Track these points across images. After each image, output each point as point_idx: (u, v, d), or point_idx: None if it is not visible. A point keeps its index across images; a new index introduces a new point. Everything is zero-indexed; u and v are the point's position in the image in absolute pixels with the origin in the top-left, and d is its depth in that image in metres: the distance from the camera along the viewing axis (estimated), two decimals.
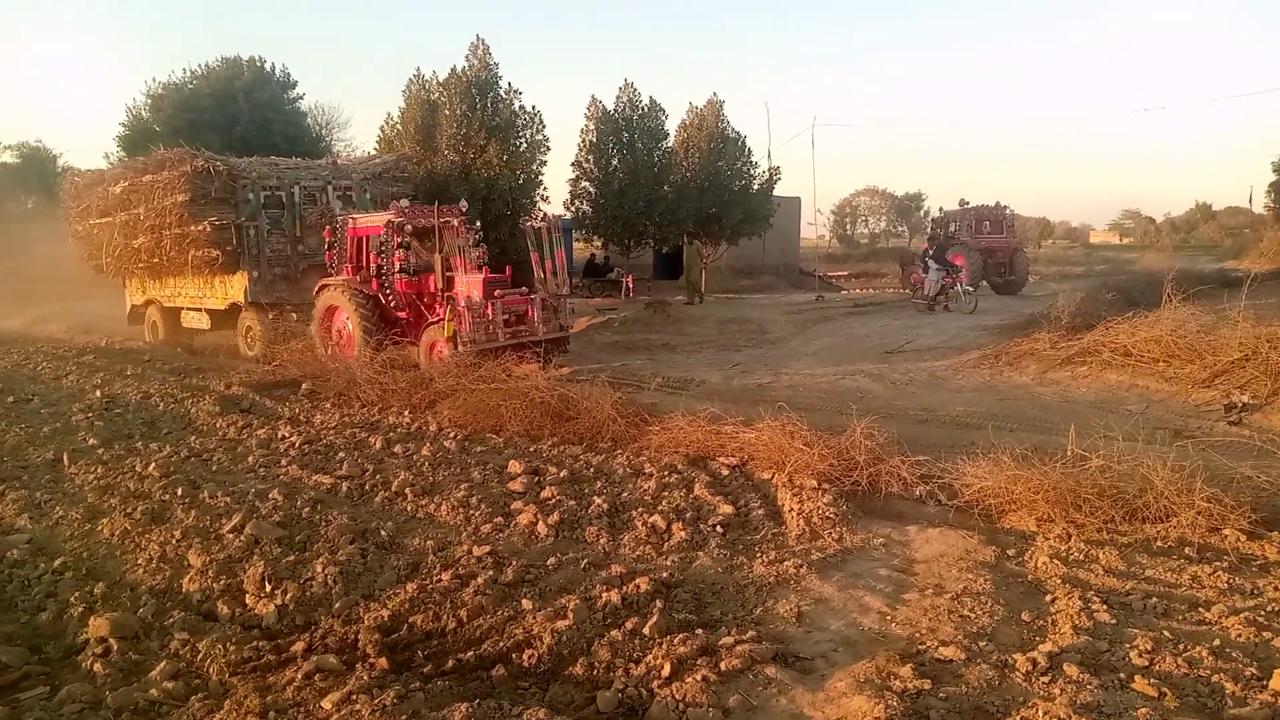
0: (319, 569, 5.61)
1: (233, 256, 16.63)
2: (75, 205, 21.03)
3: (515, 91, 24.95)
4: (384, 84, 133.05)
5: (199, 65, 33.95)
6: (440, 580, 5.41)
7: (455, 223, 14.75)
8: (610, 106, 28.20)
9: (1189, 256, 45.06)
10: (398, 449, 8.91)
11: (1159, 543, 5.84)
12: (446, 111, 24.37)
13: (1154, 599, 4.96)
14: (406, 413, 10.61)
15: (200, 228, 16.31)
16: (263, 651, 4.68)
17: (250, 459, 8.75)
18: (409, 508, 7.13)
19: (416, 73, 25.31)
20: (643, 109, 28.34)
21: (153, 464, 8.42)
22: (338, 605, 5.24)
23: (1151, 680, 3.97)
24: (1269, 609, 4.78)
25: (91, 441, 9.66)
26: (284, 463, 8.56)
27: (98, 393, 12.67)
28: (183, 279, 18.43)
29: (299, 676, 4.30)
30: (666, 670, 4.18)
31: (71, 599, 5.47)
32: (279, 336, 15.86)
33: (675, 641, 4.42)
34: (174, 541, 6.35)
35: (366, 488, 7.68)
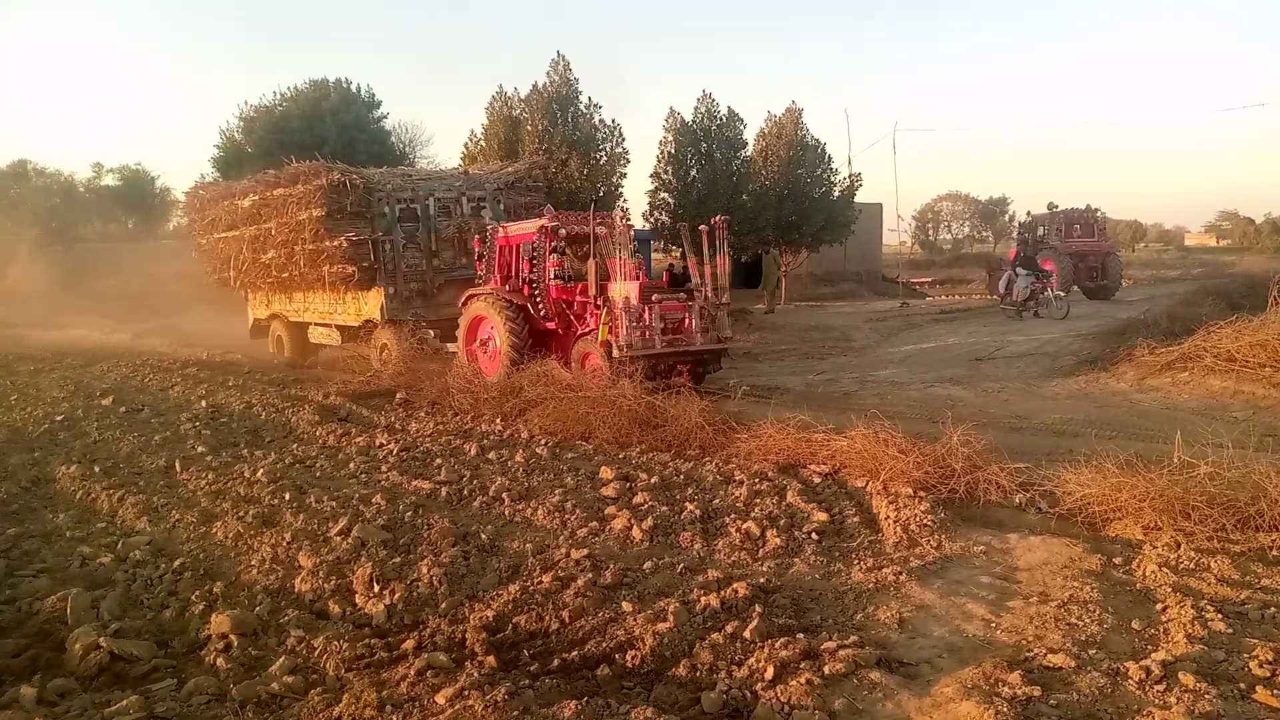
0: (424, 570, 5.79)
1: (369, 272, 16.04)
2: (200, 218, 20.86)
3: (595, 105, 25.31)
4: (463, 102, 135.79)
5: (288, 88, 35.34)
6: (541, 582, 5.53)
7: (617, 226, 13.63)
8: (689, 117, 28.34)
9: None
10: (492, 455, 9.11)
11: (1274, 552, 5.65)
12: (529, 127, 24.83)
13: (1272, 609, 4.80)
14: (498, 420, 10.84)
15: (336, 243, 15.77)
16: (375, 649, 4.85)
17: (351, 465, 9.04)
18: (506, 512, 7.29)
19: (499, 89, 25.90)
20: (721, 119, 28.43)
21: (260, 470, 8.77)
22: (444, 605, 5.39)
23: (1275, 691, 3.86)
24: None
25: (200, 449, 10.09)
26: (384, 469, 8.83)
27: (203, 403, 13.22)
28: (313, 294, 18.02)
29: (412, 673, 4.44)
30: (770, 673, 4.20)
31: (192, 597, 5.75)
32: (417, 354, 15.07)
33: (777, 645, 4.45)
34: (284, 543, 6.61)
35: (464, 493, 7.87)
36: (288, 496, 7.80)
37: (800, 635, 4.57)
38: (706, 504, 7.12)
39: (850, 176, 30.91)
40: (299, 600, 5.72)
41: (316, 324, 18.68)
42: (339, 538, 6.60)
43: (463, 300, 14.82)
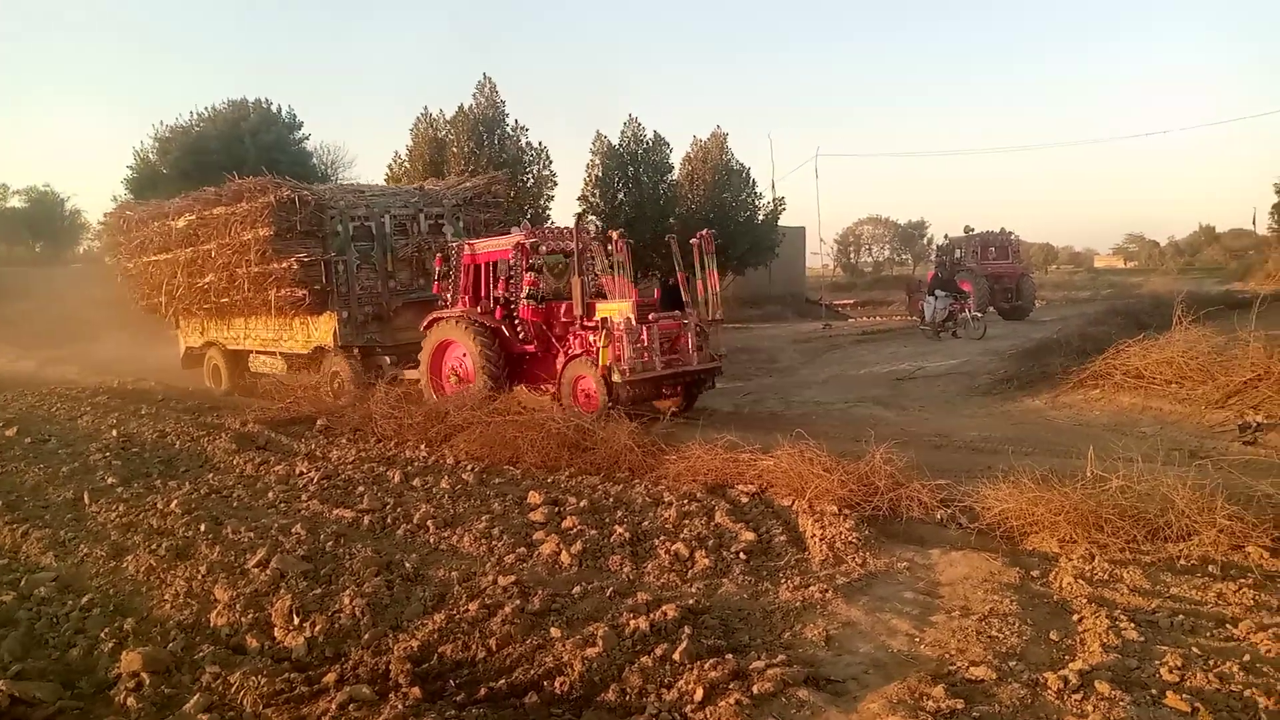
0: (346, 601, 5.64)
1: (321, 295, 14.93)
2: (127, 240, 19.40)
3: (522, 128, 25.32)
4: (386, 123, 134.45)
5: (205, 108, 34.57)
6: (467, 610, 5.44)
7: (614, 242, 12.44)
8: (615, 141, 28.53)
9: (1194, 279, 45.12)
10: (416, 482, 8.95)
11: (1182, 561, 5.85)
12: (454, 149, 24.71)
13: (1181, 616, 4.98)
14: (423, 446, 10.67)
15: (285, 265, 14.66)
16: (295, 683, 4.70)
17: (270, 495, 8.80)
18: (431, 540, 7.17)
19: (424, 111, 25.77)
20: (647, 143, 28.73)
21: (174, 501, 8.48)
22: (367, 636, 5.27)
23: (1184, 696, 3.99)
24: None
25: (110, 480, 9.71)
26: (304, 498, 8.61)
27: (114, 432, 12.76)
28: (255, 320, 16.89)
29: (333, 707, 4.33)
30: (699, 695, 4.20)
31: (101, 635, 5.52)
32: (372, 382, 14.10)
33: (706, 666, 4.44)
34: (199, 577, 6.39)
35: (388, 521, 7.72)
36: (203, 528, 7.55)
37: (729, 656, 4.58)
38: (635, 526, 7.10)
39: (774, 200, 31.44)
40: (215, 635, 5.53)
41: (259, 352, 17.53)
42: (257, 569, 6.41)
43: (426, 324, 13.81)
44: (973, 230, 29.36)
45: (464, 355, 13.15)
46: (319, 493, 8.78)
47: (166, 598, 6.15)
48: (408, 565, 6.34)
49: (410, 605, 5.69)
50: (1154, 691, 4.10)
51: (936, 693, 4.04)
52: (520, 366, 13.07)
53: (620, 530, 6.94)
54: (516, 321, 12.82)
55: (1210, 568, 5.72)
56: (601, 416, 10.68)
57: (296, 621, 5.50)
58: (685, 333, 12.30)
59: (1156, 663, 4.37)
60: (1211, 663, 4.33)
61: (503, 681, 4.61)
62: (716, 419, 12.50)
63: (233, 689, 4.68)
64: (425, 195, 16.56)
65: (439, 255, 14.18)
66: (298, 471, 9.78)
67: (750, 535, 6.71)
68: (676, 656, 4.60)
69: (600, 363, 11.58)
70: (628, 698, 4.35)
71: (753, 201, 30.69)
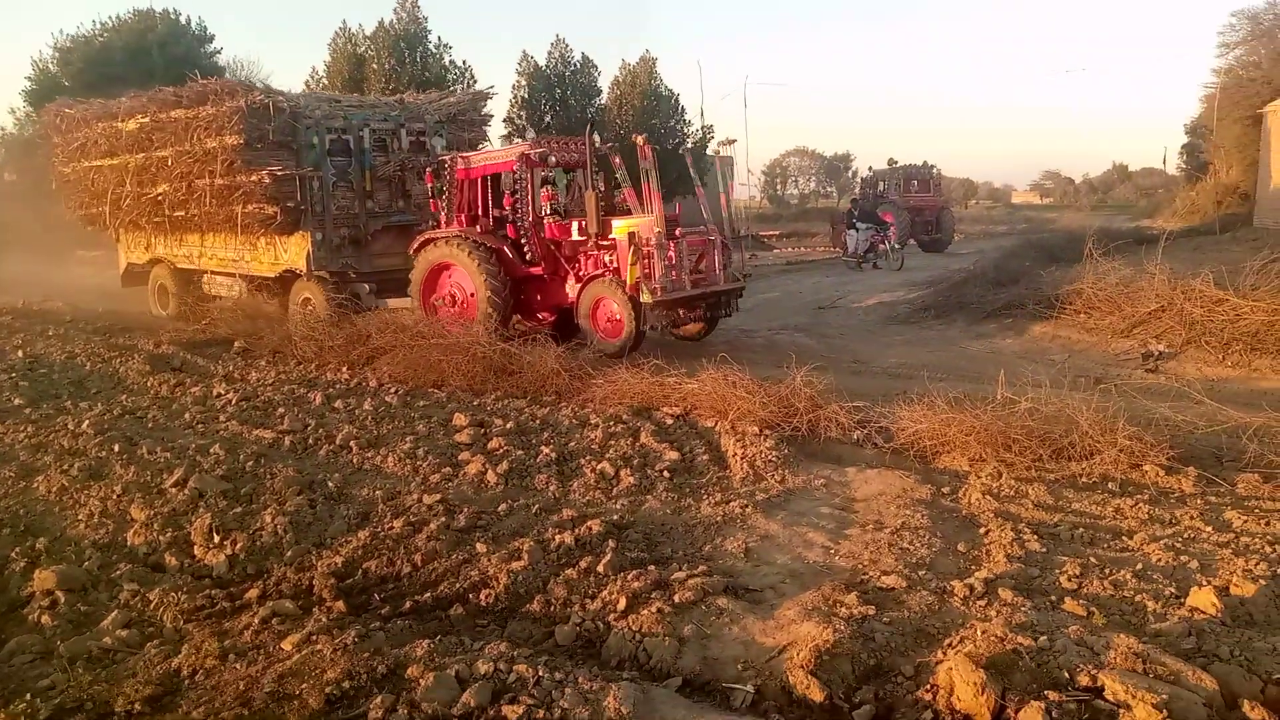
0: (268, 519, 5.60)
1: (293, 214, 13.46)
2: (64, 142, 17.43)
3: (445, 46, 24.59)
4: (303, 37, 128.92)
5: (109, 17, 32.62)
6: (392, 528, 5.45)
7: (640, 148, 11.44)
8: (542, 62, 27.93)
9: (1106, 216, 46.48)
10: (339, 404, 8.84)
11: (1084, 479, 6.15)
12: (375, 66, 23.92)
13: (1080, 529, 5.25)
14: (345, 369, 10.52)
15: (255, 178, 13.18)
16: (216, 599, 4.68)
17: (187, 416, 8.60)
18: (355, 460, 7.11)
19: (342, 25, 24.80)
20: (575, 65, 28.15)
21: (86, 422, 8.23)
22: (289, 554, 5.25)
23: (1080, 601, 4.23)
24: (1185, 536, 5.09)
25: (18, 401, 9.37)
26: (222, 419, 8.44)
27: (19, 353, 12.26)
28: (214, 237, 15.27)
29: (256, 621, 4.32)
30: (622, 604, 4.30)
31: (12, 554, 5.39)
32: (347, 311, 12.97)
33: (629, 578, 4.55)
34: (115, 497, 6.26)
35: (310, 441, 7.63)
36: (117, 448, 7.36)
37: (652, 567, 4.69)
38: (562, 447, 7.15)
39: (703, 128, 31.25)
40: (132, 554, 5.44)
41: (215, 273, 15.89)
42: (175, 489, 6.30)
43: (417, 244, 12.65)
44: (896, 163, 29.68)
45: (464, 281, 12.13)
46: (238, 414, 8.61)
47: (80, 518, 6.02)
48: (330, 485, 6.31)
49: (334, 523, 5.68)
50: (1053, 598, 4.33)
51: (849, 600, 4.21)
52: (520, 293, 12.17)
53: (547, 450, 6.99)
54: (523, 242, 11.81)
55: (1110, 485, 6.04)
56: (627, 345, 10.48)
57: (217, 540, 5.45)
58: (712, 249, 11.62)
59: (1057, 571, 4.62)
60: (1107, 571, 4.59)
61: (428, 595, 4.65)
62: (643, 345, 12.56)
63: (152, 605, 4.64)
64: (406, 109, 15.12)
65: (429, 170, 13.03)
66: (215, 393, 9.56)
67: (674, 454, 6.83)
68: (600, 569, 4.70)
69: (629, 281, 10.72)
70: (552, 608, 4.43)
71: (682, 129, 30.49)
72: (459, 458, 6.98)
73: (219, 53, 35.18)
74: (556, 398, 8.90)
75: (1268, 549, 4.79)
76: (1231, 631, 3.90)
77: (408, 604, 4.56)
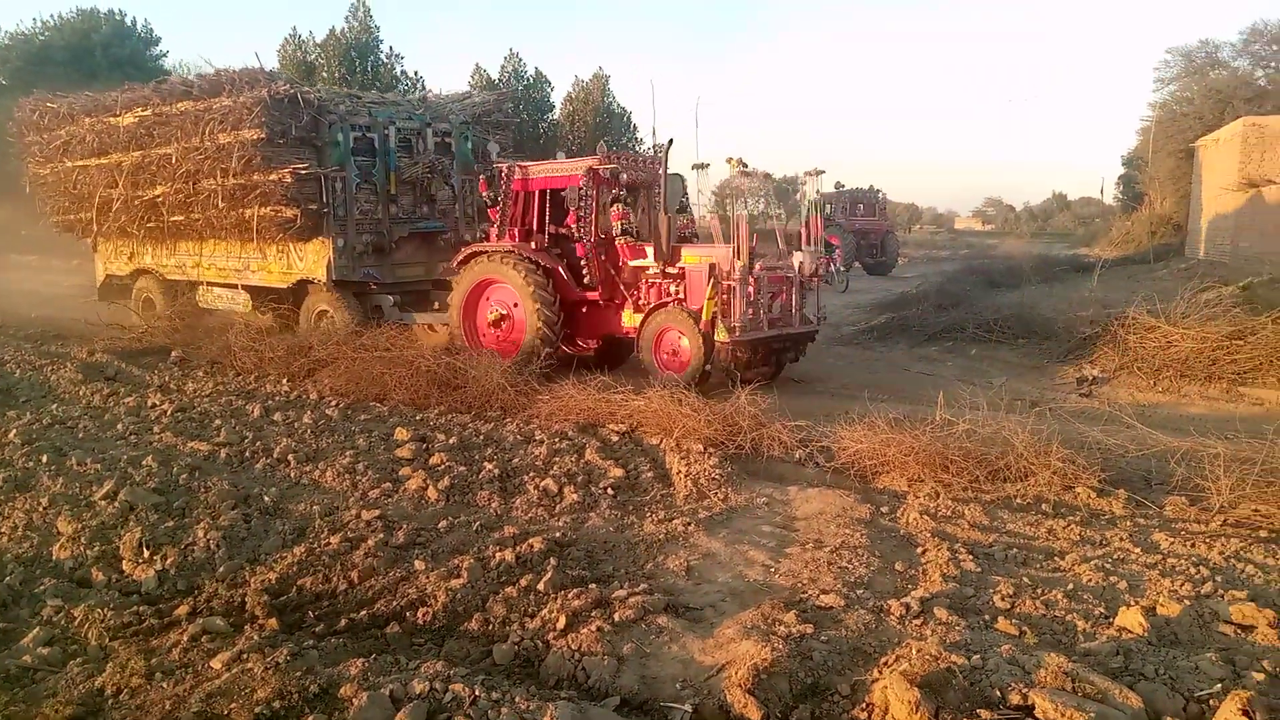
0: (200, 534, 5.48)
1: (314, 218, 12.35)
2: (42, 140, 15.71)
3: (397, 56, 24.45)
4: (251, 43, 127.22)
5: (51, 15, 31.91)
6: (329, 544, 5.36)
7: (752, 171, 10.86)
8: (495, 75, 27.89)
9: (1045, 243, 47.59)
10: (277, 416, 8.69)
11: (1019, 500, 6.28)
12: (324, 74, 23.68)
13: (1014, 550, 5.35)
14: (285, 381, 10.35)
15: (276, 177, 12.07)
16: (144, 616, 4.56)
17: (119, 426, 8.38)
18: (292, 474, 6.99)
19: (292, 32, 24.53)
20: (528, 79, 28.15)
21: (13, 431, 7.97)
22: (222, 570, 5.13)
23: (1013, 620, 4.30)
24: (1115, 557, 5.21)
25: None
26: (156, 430, 8.24)
27: None
28: (215, 244, 14.00)
29: (185, 639, 4.21)
30: (562, 622, 4.27)
31: None
32: (369, 326, 12.00)
33: (570, 596, 4.52)
34: (41, 509, 6.06)
35: (247, 454, 7.48)
36: (45, 459, 7.14)
37: (593, 585, 4.67)
38: (506, 463, 7.11)
39: (655, 147, 31.44)
40: (57, 569, 5.28)
41: (215, 284, 14.55)
42: (104, 502, 6.12)
43: (462, 257, 11.66)
44: (843, 187, 30.12)
45: (513, 302, 11.19)
46: (172, 425, 8.41)
47: (3, 531, 5.82)
48: (266, 499, 6.19)
49: (268, 538, 5.57)
50: (987, 617, 4.40)
51: (788, 618, 4.23)
52: (575, 316, 11.30)
53: (490, 467, 6.93)
54: (583, 263, 10.90)
55: (1043, 506, 6.18)
56: (692, 381, 9.76)
57: (146, 554, 5.31)
58: (789, 288, 10.67)
59: (991, 591, 4.69)
60: (1039, 591, 4.68)
61: (364, 612, 4.58)
62: (585, 362, 12.52)
63: (76, 622, 4.50)
64: (430, 108, 14.09)
65: (483, 178, 12.10)
66: (150, 403, 9.33)
67: (619, 471, 6.82)
68: (541, 587, 4.67)
69: (705, 317, 9.92)
70: (491, 626, 4.39)
71: (633, 146, 30.64)
72: (400, 473, 6.90)
73: (165, 55, 34.60)
74: (502, 413, 8.84)
75: (1192, 570, 4.92)
76: (1157, 650, 3.99)
77: (343, 622, 4.49)
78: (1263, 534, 5.62)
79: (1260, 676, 3.72)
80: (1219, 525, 5.80)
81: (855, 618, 4.31)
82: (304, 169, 12.09)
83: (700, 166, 10.66)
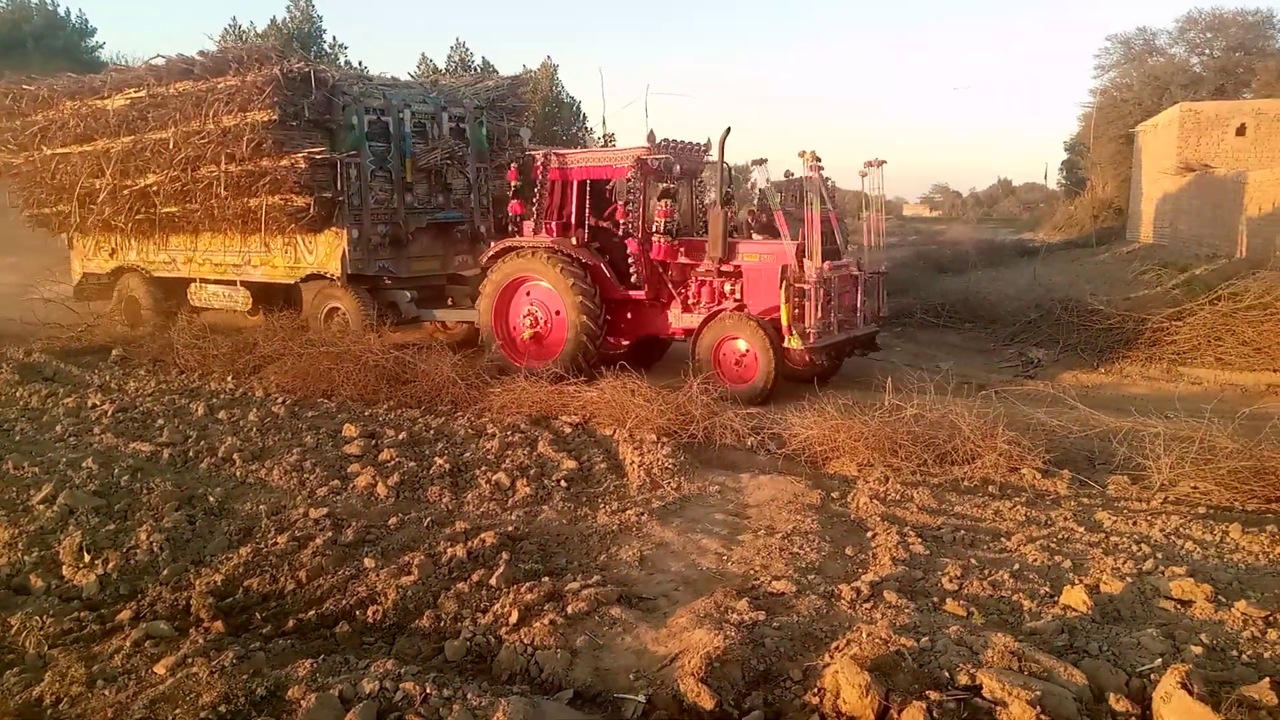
0: (143, 537, 5.35)
1: (328, 207, 11.44)
2: (16, 126, 14.40)
3: (341, 46, 24.06)
4: (190, 34, 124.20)
5: None
6: (276, 543, 5.27)
7: (811, 166, 10.17)
8: (441, 65, 27.58)
9: (991, 228, 48.31)
10: (222, 415, 8.51)
11: (966, 482, 6.38)
12: None
13: (962, 531, 5.43)
14: (230, 379, 10.14)
15: (288, 162, 11.14)
16: (85, 622, 4.45)
17: (59, 428, 8.15)
18: (238, 473, 6.86)
19: (232, 22, 24.01)
20: (475, 69, 27.87)
21: None
22: (166, 572, 5.03)
23: (961, 601, 4.36)
24: (1059, 536, 5.32)
25: None
26: (97, 431, 8.04)
27: None
28: (212, 237, 12.98)
29: (127, 644, 4.11)
30: (514, 617, 4.25)
31: None
32: (383, 324, 11.37)
33: (522, 590, 4.50)
34: None
35: (190, 454, 7.33)
36: None
37: (545, 579, 4.65)
38: (457, 458, 7.05)
39: (605, 136, 31.31)
40: None
41: (209, 281, 13.50)
42: (43, 506, 5.95)
43: (493, 252, 10.93)
44: (793, 174, 30.29)
45: (548, 301, 10.55)
46: (113, 426, 8.21)
47: None
48: (211, 499, 6.07)
49: (214, 539, 5.47)
50: (935, 599, 4.46)
51: (741, 606, 4.25)
52: (618, 317, 10.65)
53: (440, 462, 6.87)
54: (630, 260, 10.25)
55: (990, 488, 6.28)
56: (763, 393, 9.16)
57: (87, 559, 5.18)
58: (855, 287, 10.20)
59: (939, 573, 4.76)
60: (986, 572, 4.76)
61: (312, 612, 4.51)
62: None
63: (13, 631, 4.38)
64: (443, 92, 13.18)
65: (513, 166, 11.31)
66: (90, 404, 9.09)
67: (572, 463, 6.80)
68: (493, 581, 4.64)
69: (784, 322, 9.26)
70: (443, 623, 4.35)
71: (583, 136, 30.52)
72: (348, 470, 6.81)
73: (101, 47, 33.72)
74: (452, 407, 8.76)
75: (1134, 548, 5.04)
76: (1101, 627, 4.08)
77: (291, 623, 4.42)
78: (1201, 510, 5.77)
79: (1198, 650, 3.81)
80: (1160, 503, 5.94)
81: (806, 603, 4.33)
82: (319, 154, 11.17)
83: (759, 162, 10.01)
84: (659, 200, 9.91)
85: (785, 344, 9.24)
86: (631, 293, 10.37)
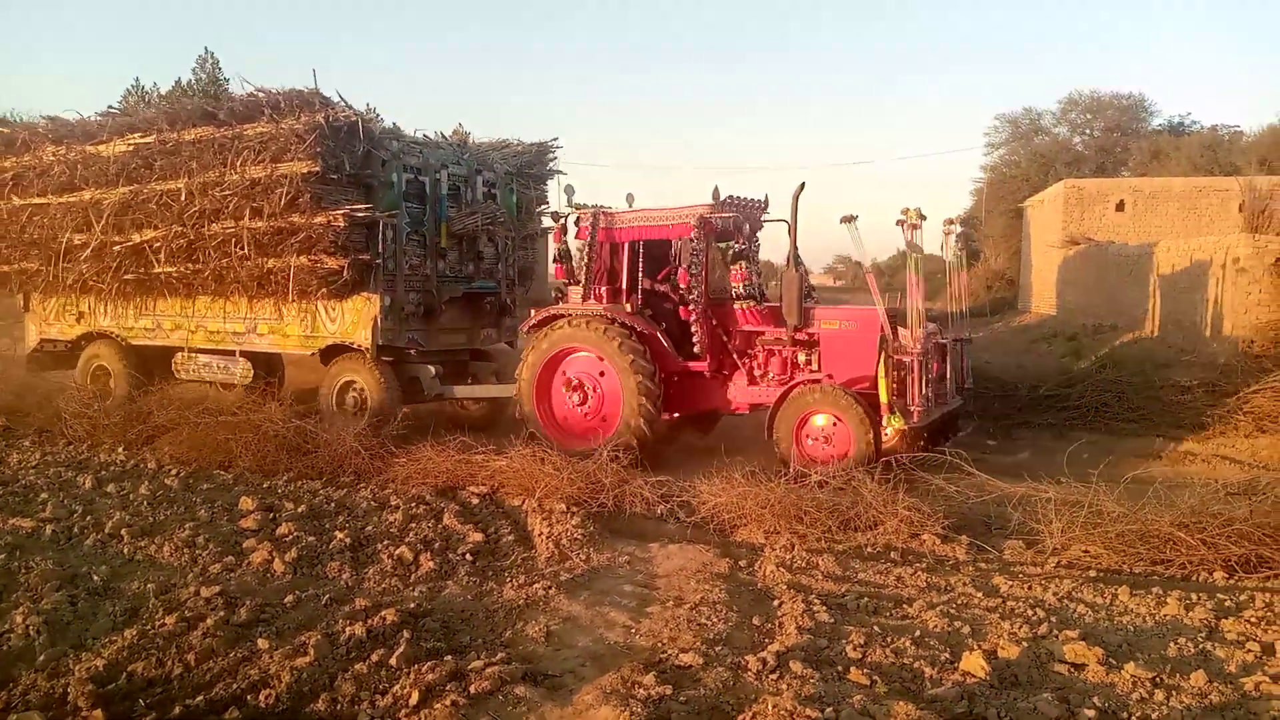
0: (19, 620, 5.05)
1: (363, 271, 10.45)
2: None
3: None
4: (91, 93, 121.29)
5: None
6: (164, 624, 5.02)
7: (912, 220, 9.01)
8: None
9: (892, 297, 50.04)
10: (111, 488, 8.16)
11: (869, 548, 6.50)
12: None
13: (865, 599, 5.51)
14: (121, 449, 9.74)
15: (325, 220, 10.12)
16: None
17: None
18: (126, 550, 6.54)
19: (135, 83, 23.55)
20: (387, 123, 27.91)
21: None
22: (42, 658, 4.73)
23: (864, 670, 4.41)
24: (959, 602, 5.44)
25: None
26: None
27: None
28: (210, 302, 11.68)
29: None
30: (415, 698, 4.13)
31: None
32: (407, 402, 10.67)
33: (424, 669, 4.37)
34: None
35: (75, 530, 6.97)
36: None
37: (448, 657, 4.54)
38: (358, 531, 6.87)
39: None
40: None
41: (202, 350, 12.10)
42: None
43: (536, 320, 10.11)
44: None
45: (597, 373, 9.68)
46: None
47: None
48: (96, 578, 5.78)
49: (97, 621, 5.19)
50: (840, 668, 4.50)
51: (648, 680, 4.21)
52: (672, 391, 9.70)
53: (341, 536, 6.68)
54: (694, 328, 9.41)
55: (892, 554, 6.42)
56: (861, 473, 7.38)
57: None
58: (944, 355, 9.35)
59: (843, 641, 4.81)
60: (889, 639, 4.83)
61: (201, 698, 4.30)
62: (447, 419, 12.28)
63: None
64: (473, 154, 12.20)
65: (558, 226, 10.44)
66: None
67: (478, 536, 6.70)
68: (393, 661, 4.50)
69: (883, 400, 8.31)
70: (339, 706, 4.19)
71: None
72: (243, 545, 6.56)
73: None
74: (355, 478, 8.57)
75: (1029, 612, 5.18)
76: (999, 693, 4.18)
77: (177, 709, 4.20)
78: (1092, 573, 5.98)
79: (1091, 714, 3.93)
80: (1053, 567, 6.15)
81: (714, 675, 4.33)
82: (362, 213, 10.23)
83: (849, 219, 8.96)
84: (735, 262, 9.36)
85: (884, 425, 8.27)
86: (692, 364, 9.61)
